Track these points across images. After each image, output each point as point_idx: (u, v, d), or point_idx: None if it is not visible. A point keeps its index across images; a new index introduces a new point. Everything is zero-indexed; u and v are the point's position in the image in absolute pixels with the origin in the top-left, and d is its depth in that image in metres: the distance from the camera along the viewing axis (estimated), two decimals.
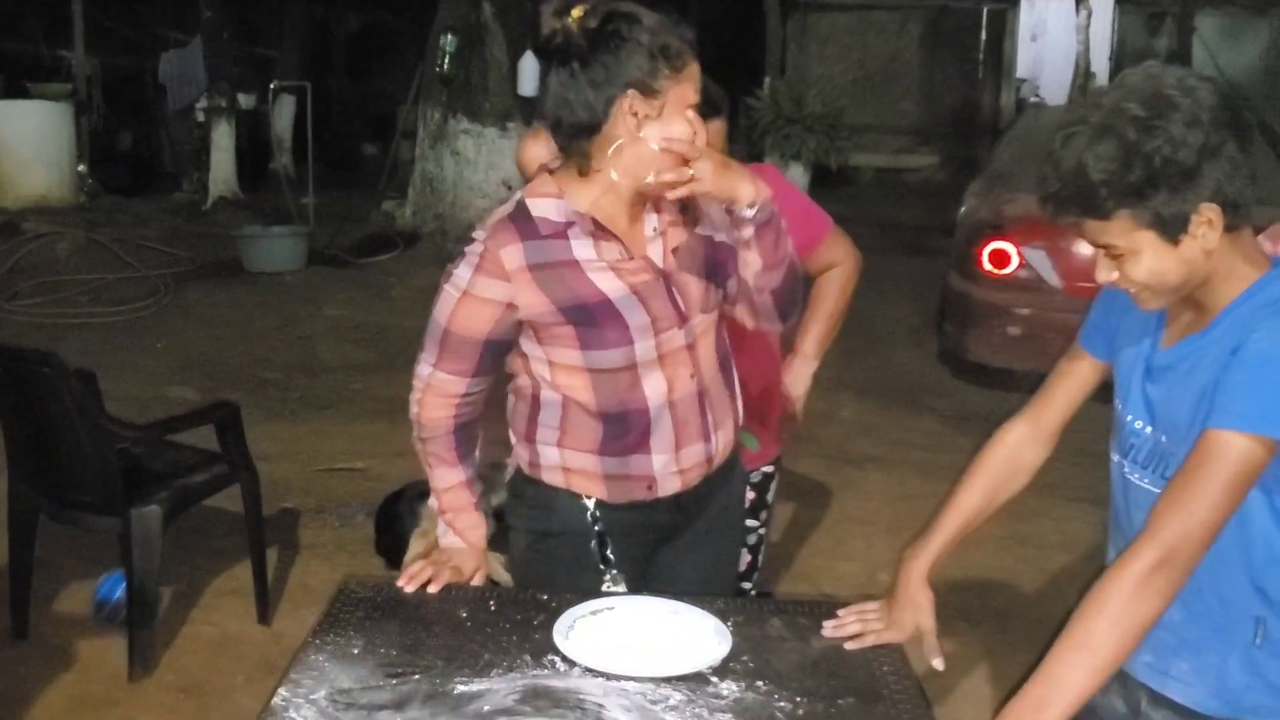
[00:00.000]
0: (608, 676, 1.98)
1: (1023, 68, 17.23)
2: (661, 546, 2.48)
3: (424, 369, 2.35)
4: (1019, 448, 2.15)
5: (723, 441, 2.43)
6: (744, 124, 14.51)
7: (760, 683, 1.99)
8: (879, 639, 2.11)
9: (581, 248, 2.24)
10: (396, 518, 4.35)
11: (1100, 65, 15.83)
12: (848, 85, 16.58)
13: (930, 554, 2.16)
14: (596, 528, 2.39)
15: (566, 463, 2.37)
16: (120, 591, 4.00)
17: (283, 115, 14.74)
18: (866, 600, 2.27)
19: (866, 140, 15.88)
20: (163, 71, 15.71)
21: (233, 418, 4.12)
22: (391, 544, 4.16)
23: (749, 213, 2.18)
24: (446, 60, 10.80)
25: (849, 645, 2.11)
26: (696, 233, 2.32)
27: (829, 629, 2.13)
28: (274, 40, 17.40)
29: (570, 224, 2.24)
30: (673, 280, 2.29)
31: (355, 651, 2.06)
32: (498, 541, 2.57)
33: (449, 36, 10.79)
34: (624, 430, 2.32)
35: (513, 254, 2.22)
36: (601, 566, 2.39)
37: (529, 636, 2.13)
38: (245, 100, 14.66)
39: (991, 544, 4.98)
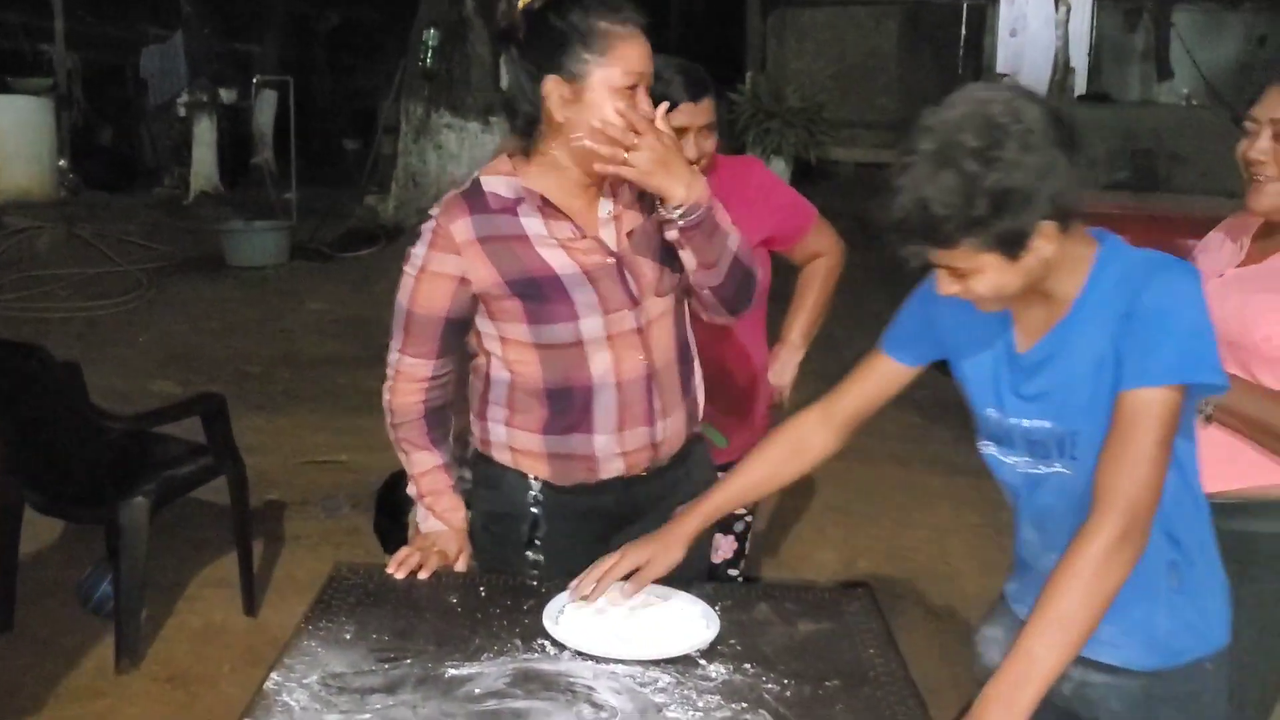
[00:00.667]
0: (597, 660, 2.01)
1: (1002, 63, 17.26)
2: (616, 535, 2.45)
3: (393, 356, 2.40)
4: (808, 431, 2.21)
5: (670, 429, 2.42)
6: (725, 118, 14.55)
7: (748, 665, 2.02)
8: None
9: (531, 224, 2.27)
10: (398, 498, 4.35)
11: (1079, 61, 15.90)
12: (827, 80, 16.61)
13: (700, 516, 2.21)
14: (533, 509, 2.42)
15: (513, 442, 2.41)
16: (107, 583, 4.01)
17: (264, 110, 14.71)
18: (846, 586, 2.29)
19: (846, 135, 15.89)
20: (144, 67, 15.64)
21: (218, 409, 4.13)
22: (390, 525, 4.15)
23: (674, 214, 2.19)
24: (429, 55, 10.83)
25: None
26: (653, 217, 2.31)
27: None
28: (255, 35, 17.36)
29: (520, 200, 2.27)
30: (625, 263, 2.30)
31: (347, 637, 2.08)
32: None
33: (431, 31, 10.82)
34: (568, 407, 2.34)
35: (462, 227, 2.26)
36: (528, 553, 2.43)
37: (519, 621, 2.15)
38: (227, 95, 14.64)
39: (969, 532, 5.04)
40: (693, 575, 2.47)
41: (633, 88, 2.17)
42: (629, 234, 2.32)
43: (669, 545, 2.18)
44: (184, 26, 14.36)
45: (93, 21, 15.33)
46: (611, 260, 2.30)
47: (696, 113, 2.73)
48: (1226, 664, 1.99)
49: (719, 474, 2.46)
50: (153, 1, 16.05)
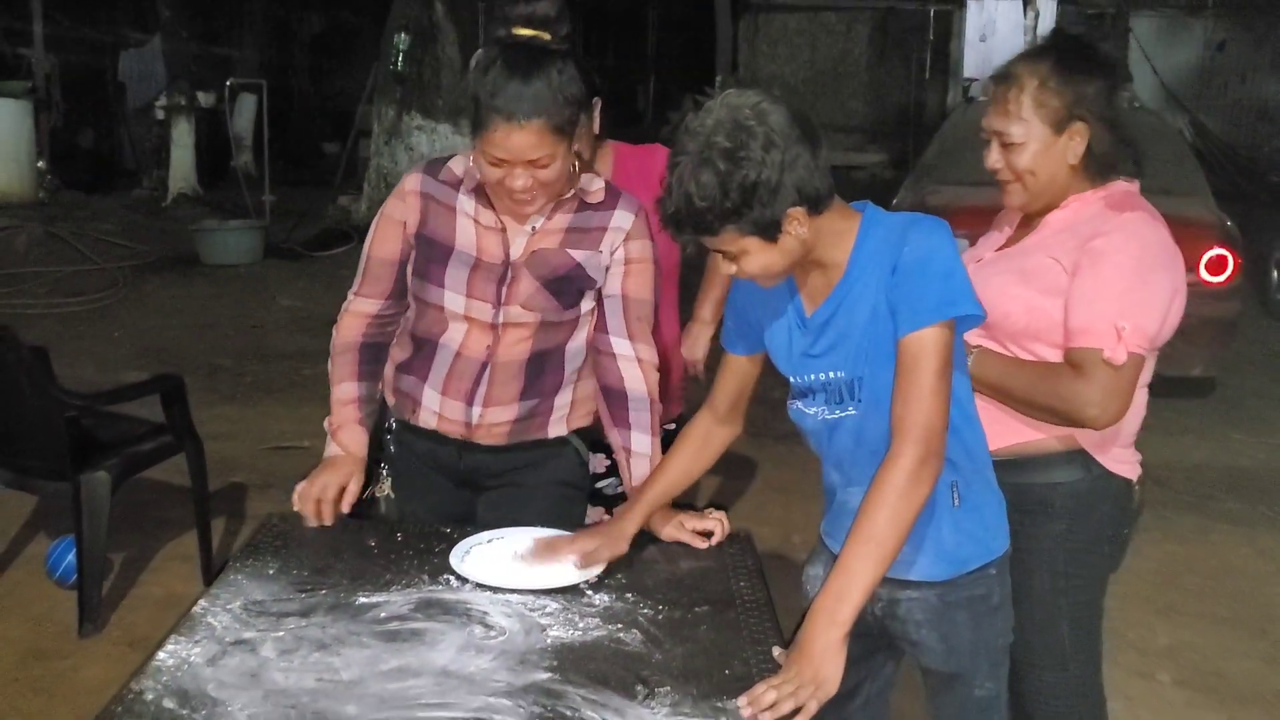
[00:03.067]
0: (494, 590, 2.25)
1: (970, 68, 17.51)
2: (465, 495, 2.78)
3: (348, 298, 2.72)
4: (705, 429, 2.47)
5: (486, 418, 2.63)
6: None
7: (629, 594, 2.26)
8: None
9: (465, 201, 2.58)
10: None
11: None
12: (798, 84, 16.90)
13: (637, 516, 2.42)
14: (388, 435, 2.77)
15: (387, 371, 2.75)
16: (72, 555, 4.22)
17: (243, 114, 14.90)
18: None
19: None
20: (122, 69, 15.83)
21: (177, 389, 4.34)
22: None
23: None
24: (400, 58, 11.06)
25: None
26: (568, 251, 2.57)
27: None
28: (234, 39, 17.54)
29: (462, 180, 2.58)
30: (513, 270, 2.56)
31: (270, 572, 2.31)
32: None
33: (402, 35, 11.05)
34: (418, 352, 2.65)
35: (414, 180, 2.63)
36: (381, 467, 2.78)
37: (428, 560, 2.39)
38: (205, 98, 14.80)
39: None
40: None
41: (501, 162, 2.39)
42: (534, 251, 2.57)
43: (615, 540, 2.38)
44: (162, 30, 14.57)
45: (71, 25, 15.48)
46: (502, 261, 2.56)
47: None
48: (1007, 569, 2.25)
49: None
50: (131, 5, 16.22)
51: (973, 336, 2.67)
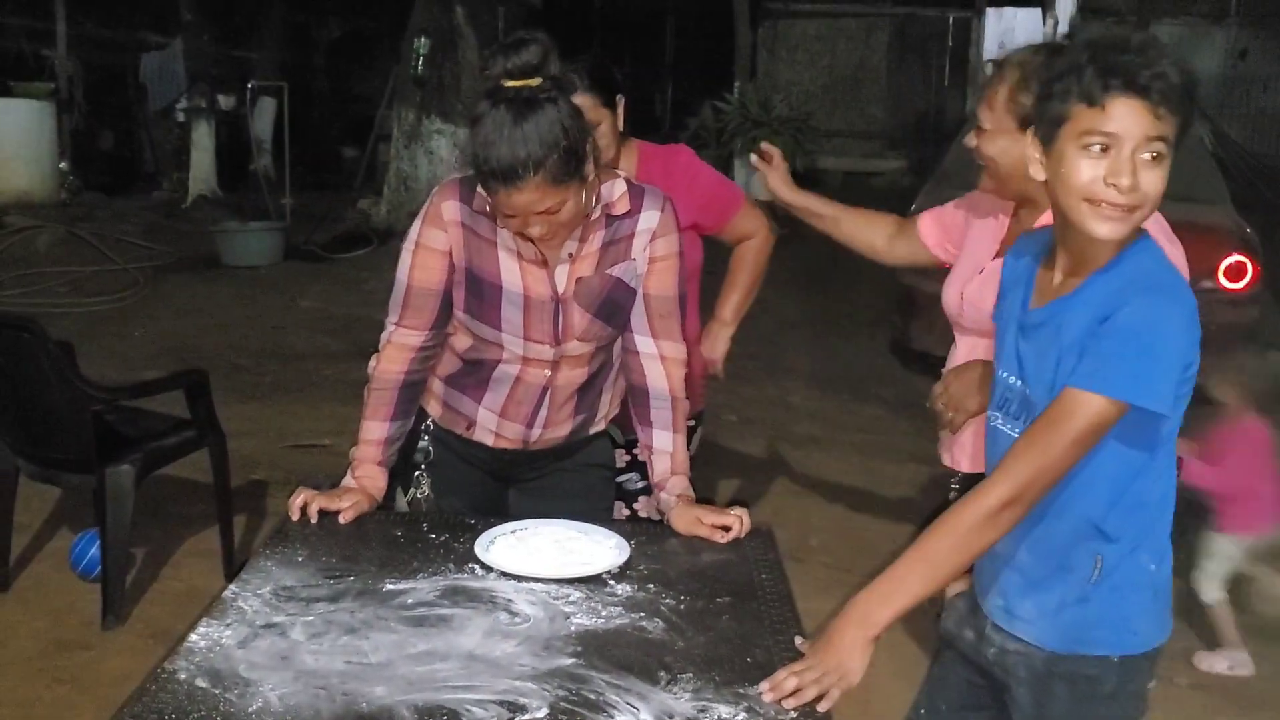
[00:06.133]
0: (519, 579, 2.28)
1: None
2: (502, 490, 2.82)
3: (388, 329, 2.66)
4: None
5: (546, 435, 2.70)
6: (714, 127, 14.84)
7: (651, 585, 2.28)
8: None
9: (503, 235, 2.53)
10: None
11: None
12: (817, 90, 16.92)
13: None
14: (424, 438, 2.76)
15: (431, 385, 2.74)
16: (96, 549, 4.26)
17: (263, 117, 14.95)
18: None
19: (835, 144, 16.19)
20: (144, 72, 15.90)
21: (201, 384, 4.39)
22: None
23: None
24: (419, 62, 11.10)
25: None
26: (606, 272, 2.58)
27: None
28: (255, 43, 17.62)
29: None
30: (563, 305, 2.56)
31: (299, 559, 2.35)
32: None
33: (422, 39, 11.09)
34: (472, 373, 2.65)
35: (451, 208, 2.55)
36: (415, 473, 2.77)
37: (453, 549, 2.42)
38: (225, 101, 14.86)
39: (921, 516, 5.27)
40: None
41: (512, 217, 2.40)
42: (578, 280, 2.56)
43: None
44: (184, 33, 14.63)
45: (94, 27, 15.57)
46: (551, 298, 2.55)
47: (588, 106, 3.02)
48: (1145, 669, 2.09)
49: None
50: (153, 8, 16.30)
51: (963, 342, 2.70)
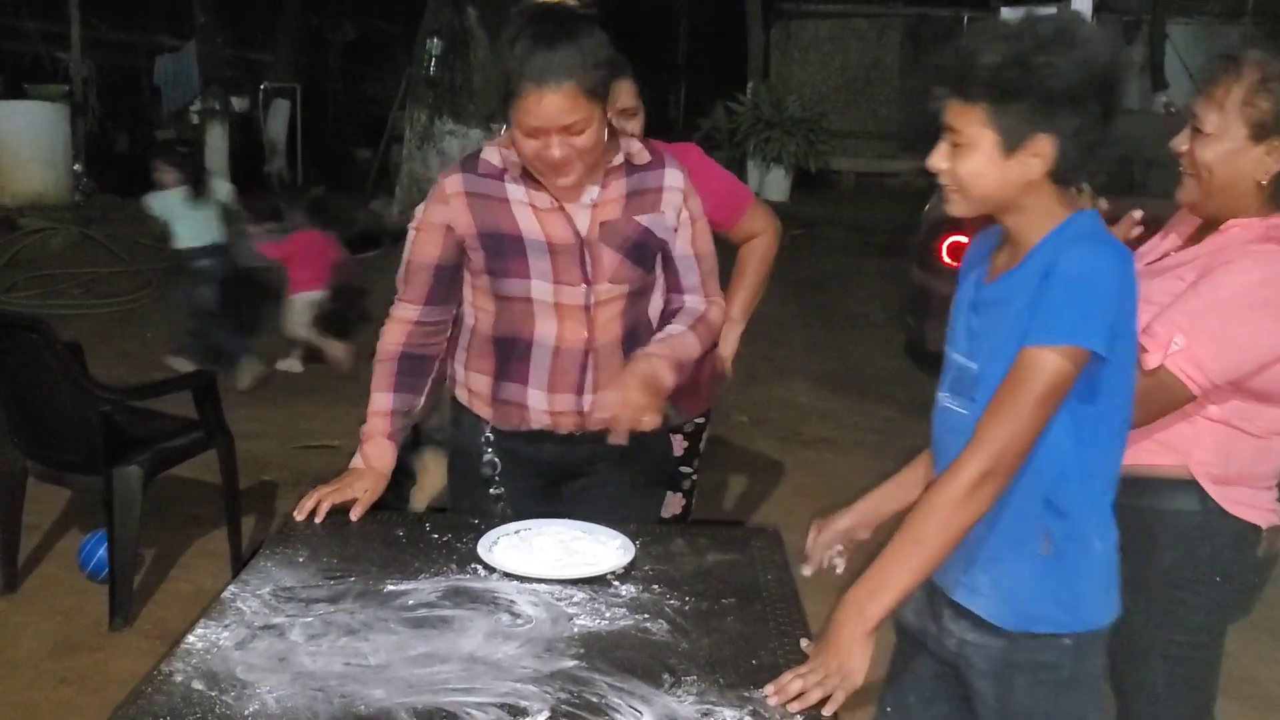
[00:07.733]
0: (522, 579, 2.25)
1: None
2: (565, 486, 2.74)
3: (392, 307, 2.68)
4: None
5: (599, 404, 2.58)
6: (727, 127, 14.82)
7: (656, 586, 2.26)
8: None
9: (514, 189, 2.54)
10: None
11: None
12: (830, 91, 16.89)
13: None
14: (488, 449, 2.68)
15: (470, 383, 2.69)
16: (104, 550, 4.25)
17: (277, 119, 14.97)
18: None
19: (848, 145, 16.17)
20: (158, 74, 15.94)
21: (209, 385, 4.38)
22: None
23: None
24: (432, 64, 11.11)
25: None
26: (635, 219, 2.56)
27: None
28: (269, 45, 17.67)
29: (505, 169, 2.54)
30: (588, 246, 2.54)
31: (300, 560, 2.33)
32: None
33: (434, 40, 11.10)
34: (510, 357, 2.60)
35: (453, 181, 2.56)
36: (492, 490, 2.69)
37: (456, 549, 2.39)
38: (239, 103, 14.90)
39: None
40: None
41: (537, 131, 2.39)
42: (603, 224, 2.55)
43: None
44: (198, 35, 14.65)
45: (108, 30, 15.64)
46: (575, 240, 2.53)
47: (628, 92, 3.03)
48: (1097, 650, 2.06)
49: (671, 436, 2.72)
50: (168, 10, 16.35)
51: None
